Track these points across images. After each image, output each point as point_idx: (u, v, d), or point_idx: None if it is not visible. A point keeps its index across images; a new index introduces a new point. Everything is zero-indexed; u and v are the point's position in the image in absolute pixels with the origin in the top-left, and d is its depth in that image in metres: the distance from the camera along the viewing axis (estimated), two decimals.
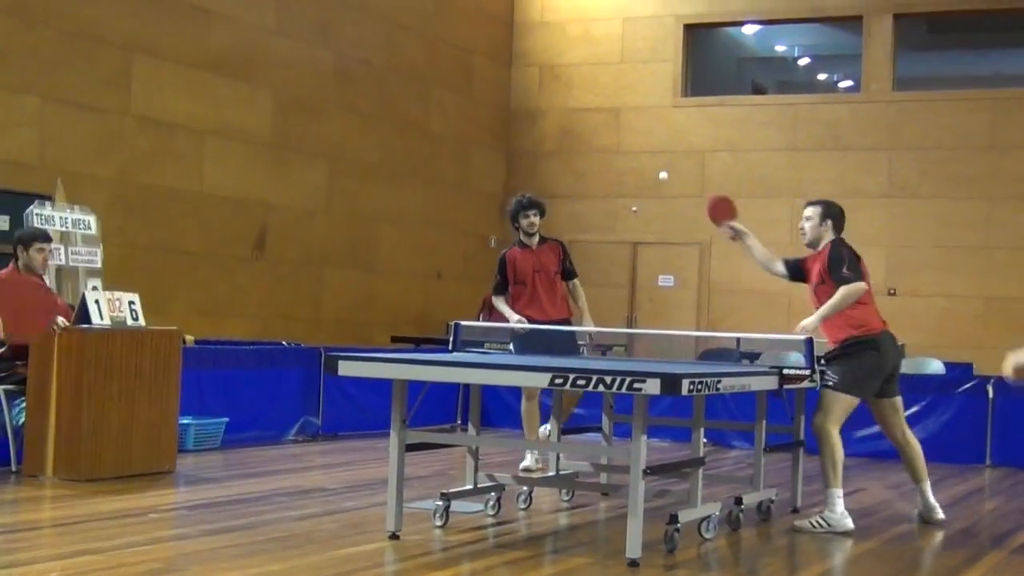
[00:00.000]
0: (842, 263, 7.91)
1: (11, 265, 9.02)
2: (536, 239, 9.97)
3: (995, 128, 16.73)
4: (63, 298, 9.65)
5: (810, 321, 7.82)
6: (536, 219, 9.91)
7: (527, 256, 9.90)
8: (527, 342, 9.66)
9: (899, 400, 8.14)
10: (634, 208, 18.21)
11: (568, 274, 10.01)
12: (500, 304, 9.93)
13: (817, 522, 7.64)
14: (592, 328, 10.01)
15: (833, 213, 8.25)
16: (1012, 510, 9.08)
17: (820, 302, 7.97)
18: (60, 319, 8.58)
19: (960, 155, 16.84)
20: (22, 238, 9.06)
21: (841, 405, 7.81)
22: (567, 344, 9.60)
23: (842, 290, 7.79)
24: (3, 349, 8.79)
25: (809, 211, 8.27)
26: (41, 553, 6.21)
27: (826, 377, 7.78)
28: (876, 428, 11.97)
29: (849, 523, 7.68)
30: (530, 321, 9.66)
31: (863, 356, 7.83)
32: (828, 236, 8.15)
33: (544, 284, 9.83)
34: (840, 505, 7.68)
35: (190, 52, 13.71)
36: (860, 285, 7.83)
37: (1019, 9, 16.95)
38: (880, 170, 17.15)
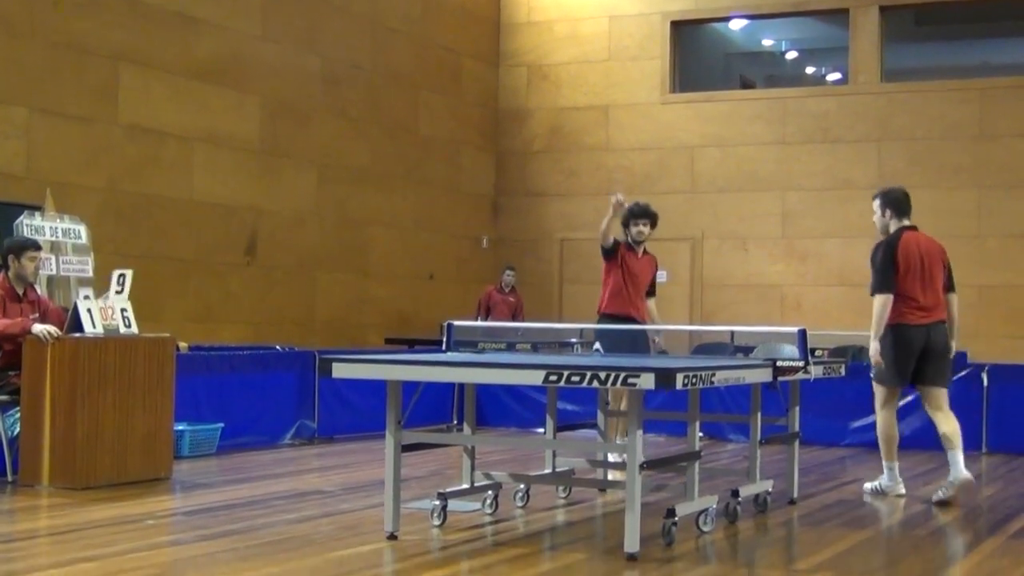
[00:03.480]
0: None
1: (1, 275, 8.99)
2: (642, 248, 10.24)
3: (984, 117, 16.75)
4: (55, 302, 9.61)
5: None
6: (646, 229, 10.16)
7: (632, 258, 10.18)
8: (614, 341, 9.91)
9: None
10: (620, 196, 18.17)
11: (651, 291, 10.36)
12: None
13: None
14: (655, 327, 10.35)
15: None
16: (1009, 496, 9.09)
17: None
18: (51, 329, 8.56)
19: (950, 145, 16.86)
20: (13, 248, 9.02)
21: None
22: (643, 344, 10.02)
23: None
24: None
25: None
26: (38, 562, 6.20)
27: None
28: (871, 419, 12.06)
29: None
30: (622, 320, 9.99)
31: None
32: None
33: (635, 289, 10.13)
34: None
35: (177, 61, 13.70)
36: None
37: None
38: (870, 161, 17.16)
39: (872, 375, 8.76)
